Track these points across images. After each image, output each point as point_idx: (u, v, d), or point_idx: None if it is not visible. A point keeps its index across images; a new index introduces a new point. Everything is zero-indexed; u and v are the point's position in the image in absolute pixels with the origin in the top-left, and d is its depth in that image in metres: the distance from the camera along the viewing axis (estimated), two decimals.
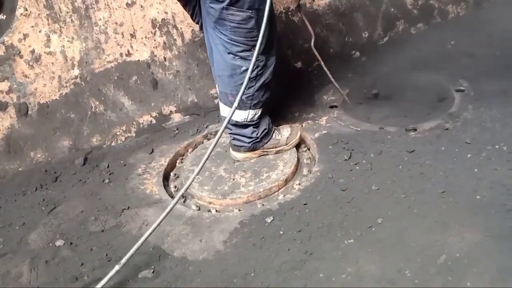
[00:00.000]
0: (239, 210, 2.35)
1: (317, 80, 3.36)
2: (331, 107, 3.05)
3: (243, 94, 2.13)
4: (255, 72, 2.33)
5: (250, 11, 2.18)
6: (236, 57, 2.31)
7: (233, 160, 2.65)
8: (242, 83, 2.24)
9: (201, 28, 2.51)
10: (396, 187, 2.23)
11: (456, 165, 2.28)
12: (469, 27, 3.73)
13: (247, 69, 2.25)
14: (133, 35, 2.98)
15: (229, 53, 2.31)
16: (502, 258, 1.77)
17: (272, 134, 2.62)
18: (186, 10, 2.48)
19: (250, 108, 2.45)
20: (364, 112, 2.91)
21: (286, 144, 2.65)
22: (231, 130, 2.55)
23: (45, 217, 2.47)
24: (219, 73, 2.43)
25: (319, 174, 2.45)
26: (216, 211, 2.39)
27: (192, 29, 3.10)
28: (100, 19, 2.89)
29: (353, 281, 1.80)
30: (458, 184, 2.17)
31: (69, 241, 2.27)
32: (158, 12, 3.00)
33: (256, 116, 2.50)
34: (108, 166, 2.82)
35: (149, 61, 3.06)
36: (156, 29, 3.03)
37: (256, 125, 2.54)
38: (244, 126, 2.52)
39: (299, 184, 2.47)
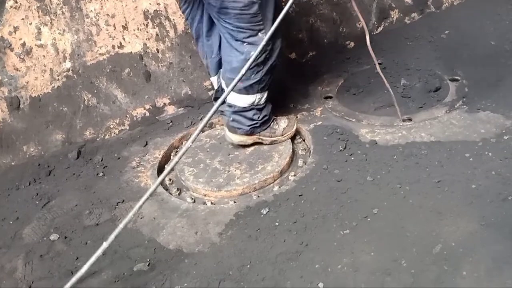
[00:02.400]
0: (235, 202, 2.34)
1: (311, 71, 3.34)
2: (326, 97, 3.04)
3: (239, 80, 2.11)
4: (262, 56, 2.32)
5: None
6: (244, 43, 2.30)
7: (227, 152, 2.64)
8: (250, 69, 2.26)
9: (185, 16, 2.52)
10: (391, 177, 2.23)
11: (451, 155, 2.28)
12: (463, 16, 3.71)
13: (254, 54, 2.26)
14: (125, 27, 2.95)
15: (236, 40, 2.30)
16: (497, 247, 1.78)
17: (271, 123, 2.61)
18: None
19: (257, 92, 2.45)
20: (359, 103, 2.90)
21: (282, 135, 2.64)
22: (233, 111, 2.52)
23: (39, 211, 2.45)
24: (227, 60, 2.41)
25: (314, 165, 2.44)
26: (211, 203, 2.38)
27: (185, 21, 3.07)
28: (91, 11, 2.86)
29: (349, 271, 1.81)
30: (453, 173, 2.17)
31: (63, 235, 2.26)
32: (150, 4, 2.97)
33: (263, 99, 2.50)
34: (102, 160, 2.79)
35: (142, 53, 3.03)
36: (149, 20, 3.00)
37: (260, 109, 2.53)
38: (249, 110, 2.50)
39: (295, 175, 2.46)
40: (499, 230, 1.84)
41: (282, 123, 2.66)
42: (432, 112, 2.63)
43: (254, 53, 2.21)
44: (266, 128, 2.60)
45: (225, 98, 2.15)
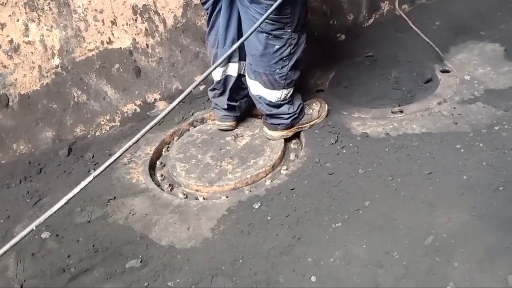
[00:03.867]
0: (227, 197, 2.34)
1: (302, 64, 3.32)
2: (318, 91, 3.03)
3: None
4: (288, 50, 2.33)
5: None
6: (270, 36, 2.28)
7: (219, 147, 2.63)
8: (274, 62, 2.32)
9: (206, 6, 2.50)
10: (383, 169, 2.23)
11: (442, 146, 2.29)
12: (454, 7, 3.71)
13: (279, 48, 2.30)
14: (113, 22, 2.92)
15: (262, 32, 2.29)
16: (489, 237, 1.78)
17: (304, 110, 2.63)
18: None
19: (283, 88, 2.45)
20: (351, 95, 2.89)
21: (318, 117, 2.66)
22: (267, 109, 2.53)
23: (30, 209, 2.43)
24: (252, 52, 2.40)
25: (306, 158, 2.43)
26: (204, 198, 2.37)
27: (174, 15, 3.05)
28: (79, 6, 2.82)
29: (341, 264, 1.81)
30: (445, 165, 2.17)
31: (55, 233, 2.24)
32: None
33: (289, 94, 2.50)
34: (93, 156, 2.78)
35: (131, 49, 3.00)
36: (137, 15, 2.97)
37: (290, 102, 2.53)
38: (278, 105, 2.51)
39: (286, 169, 2.45)
40: (491, 221, 1.85)
41: (314, 106, 2.69)
42: (423, 104, 2.63)
43: (279, 46, 2.29)
44: (303, 116, 2.61)
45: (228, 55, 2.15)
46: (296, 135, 2.68)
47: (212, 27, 2.54)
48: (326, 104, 2.73)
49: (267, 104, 2.50)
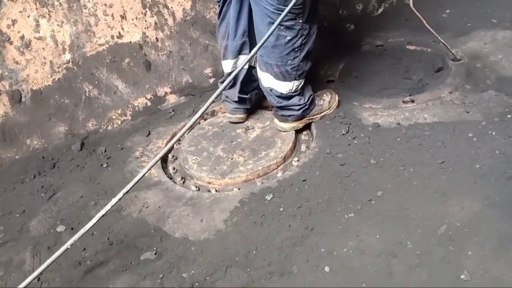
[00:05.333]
0: (239, 189, 2.35)
1: (312, 55, 3.32)
2: (328, 81, 3.02)
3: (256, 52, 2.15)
4: (299, 41, 2.33)
5: None
6: (282, 27, 2.28)
7: (230, 140, 2.64)
8: (286, 54, 2.32)
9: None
10: (395, 159, 2.22)
11: (454, 135, 2.28)
12: None
13: (291, 39, 2.30)
14: (123, 17, 2.93)
15: (273, 23, 2.24)
16: (502, 226, 1.78)
17: (315, 100, 2.63)
18: None
19: (295, 79, 2.45)
20: (361, 86, 2.88)
21: (329, 108, 2.67)
22: (277, 101, 2.53)
23: (44, 203, 2.46)
24: (265, 44, 2.40)
25: (317, 150, 2.44)
26: (216, 190, 2.38)
27: (183, 8, 3.05)
28: (89, 1, 2.83)
29: (355, 254, 1.81)
30: (457, 154, 2.16)
31: (70, 226, 2.27)
32: None
33: (300, 86, 2.50)
34: (105, 151, 2.80)
35: (141, 43, 3.01)
36: (147, 9, 2.97)
37: (301, 93, 2.54)
38: (289, 97, 2.51)
39: (298, 160, 2.46)
40: (504, 209, 1.84)
41: (325, 97, 2.69)
42: (434, 93, 2.61)
43: (291, 37, 2.29)
44: (313, 107, 2.61)
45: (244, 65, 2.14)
46: (307, 127, 2.68)
47: (223, 19, 2.54)
48: (336, 95, 2.73)
49: (278, 96, 2.50)
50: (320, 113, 2.64)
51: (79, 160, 2.76)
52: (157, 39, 3.05)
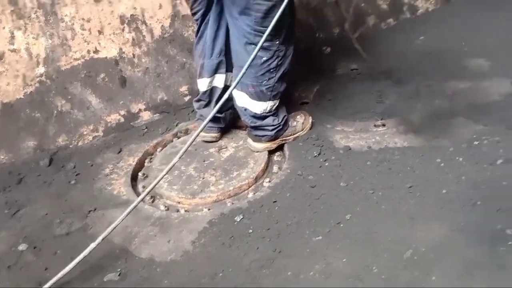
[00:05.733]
0: (209, 209, 2.32)
1: (287, 76, 3.33)
2: (302, 103, 3.05)
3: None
4: (275, 62, 2.34)
5: (274, 0, 2.17)
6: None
7: (203, 159, 2.62)
8: (262, 74, 2.34)
9: (196, 16, 2.51)
10: (364, 183, 2.24)
11: (423, 160, 2.30)
12: (438, 22, 3.77)
13: (267, 60, 2.31)
14: (100, 32, 2.92)
15: (250, 43, 2.30)
16: (467, 252, 1.79)
17: (289, 122, 2.63)
18: None
19: (269, 100, 2.45)
20: (335, 108, 2.91)
21: (302, 130, 2.67)
22: (251, 121, 2.54)
23: (8, 220, 2.39)
24: (239, 64, 2.40)
25: (289, 171, 2.44)
26: (185, 210, 2.35)
27: (162, 25, 3.06)
28: (67, 15, 2.82)
29: (321, 278, 1.80)
30: (426, 178, 2.19)
31: (33, 245, 2.20)
32: (126, 8, 2.95)
33: (274, 106, 2.51)
34: (74, 167, 2.75)
35: (118, 58, 3.00)
36: (125, 25, 2.97)
37: (275, 114, 2.54)
38: (263, 117, 2.51)
39: (269, 181, 2.45)
40: (470, 235, 1.86)
41: (298, 118, 2.69)
42: (405, 118, 2.65)
43: (267, 58, 2.31)
44: (287, 128, 2.61)
45: (229, 94, 2.15)
46: (280, 148, 2.68)
47: (201, 37, 2.55)
48: (310, 117, 2.74)
49: (252, 116, 2.51)
50: (294, 134, 2.65)
51: (46, 176, 2.70)
52: (134, 55, 3.05)
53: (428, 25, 3.75)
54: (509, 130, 2.38)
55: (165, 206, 2.39)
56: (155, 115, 3.14)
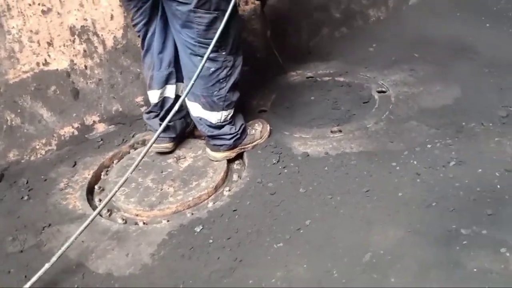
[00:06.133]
0: (168, 221, 2.29)
1: (245, 85, 3.34)
2: (260, 111, 3.06)
3: (191, 86, 2.17)
4: (224, 73, 2.32)
5: (216, 12, 2.16)
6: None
7: (160, 170, 2.58)
8: (212, 85, 2.31)
9: (138, 28, 2.46)
10: (322, 188, 2.26)
11: (379, 164, 2.35)
12: (389, 30, 3.88)
13: (215, 71, 2.29)
14: (50, 43, 2.83)
15: (196, 55, 2.27)
16: (423, 252, 1.84)
17: (247, 131, 2.62)
18: (128, 7, 2.40)
19: (223, 110, 2.43)
20: (292, 116, 2.94)
21: (261, 138, 2.67)
22: (208, 130, 2.51)
23: None
24: (189, 75, 2.36)
25: (248, 179, 2.43)
26: (144, 223, 2.31)
27: (114, 36, 3.00)
28: (14, 27, 2.72)
29: (282, 285, 1.80)
30: (381, 182, 2.23)
31: None
32: (76, 19, 2.87)
33: (229, 116, 2.49)
34: (27, 182, 2.65)
35: (69, 70, 2.92)
36: (75, 36, 2.90)
37: (231, 122, 2.53)
38: (219, 126, 2.50)
39: (229, 190, 2.44)
40: (425, 236, 1.91)
41: (256, 126, 2.69)
42: (361, 123, 2.71)
43: (215, 68, 2.29)
44: (245, 137, 2.60)
45: (178, 106, 2.16)
46: (239, 156, 2.68)
47: (148, 50, 2.51)
48: (268, 125, 2.75)
49: (208, 126, 2.50)
50: (252, 142, 2.65)
51: None
52: (86, 66, 2.98)
53: (380, 33, 3.85)
54: (459, 133, 2.47)
55: (123, 219, 2.34)
56: (110, 127, 3.08)
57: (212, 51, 2.23)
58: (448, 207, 2.02)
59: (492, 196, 2.05)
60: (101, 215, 2.36)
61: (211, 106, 2.41)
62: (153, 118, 2.64)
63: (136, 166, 2.10)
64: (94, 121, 3.04)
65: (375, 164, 2.36)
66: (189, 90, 2.16)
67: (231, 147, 2.57)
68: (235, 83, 2.42)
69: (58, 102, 2.92)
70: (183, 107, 2.63)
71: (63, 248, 1.94)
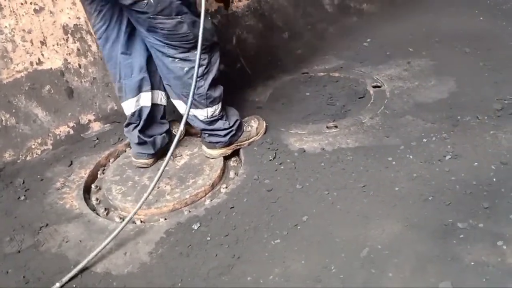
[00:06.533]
0: (165, 219, 2.29)
1: (240, 82, 3.35)
2: (256, 108, 3.05)
3: (193, 95, 2.14)
4: (200, 71, 2.26)
5: (179, 17, 2.10)
6: (176, 59, 2.23)
7: (157, 168, 2.57)
8: (189, 84, 2.22)
9: (98, 35, 2.33)
10: (319, 184, 2.27)
11: (375, 159, 2.36)
12: (384, 25, 3.88)
13: (189, 70, 2.24)
14: (43, 43, 2.82)
15: (167, 56, 2.24)
16: (420, 246, 1.85)
17: (243, 127, 2.61)
18: (89, 12, 2.28)
19: (207, 107, 2.41)
20: (288, 112, 2.94)
21: (257, 134, 2.66)
22: (199, 124, 2.49)
23: None
24: (165, 76, 2.35)
25: (245, 176, 2.44)
26: (141, 221, 2.31)
27: (97, 40, 2.98)
28: (6, 26, 2.71)
29: (280, 281, 1.81)
30: (378, 177, 2.24)
31: None
32: (69, 18, 2.87)
33: (217, 111, 2.46)
34: (23, 182, 2.64)
35: (63, 69, 2.91)
36: (69, 35, 2.89)
37: (223, 118, 2.50)
38: (210, 122, 2.47)
39: (226, 187, 2.44)
40: (422, 230, 1.92)
41: (253, 123, 2.67)
42: (356, 119, 2.71)
43: (188, 67, 2.24)
44: (241, 133, 2.59)
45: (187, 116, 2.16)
46: (236, 153, 2.68)
47: (109, 61, 2.39)
48: (264, 121, 2.75)
49: (201, 121, 2.48)
50: (248, 139, 2.65)
51: None
52: (80, 65, 2.97)
53: (374, 28, 3.86)
54: (455, 127, 2.48)
55: (120, 218, 2.34)
56: (106, 125, 3.07)
57: (182, 52, 2.21)
58: (445, 201, 2.03)
59: (488, 189, 2.06)
60: (98, 214, 2.37)
61: (194, 104, 2.37)
62: (133, 130, 2.52)
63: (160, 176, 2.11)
64: (89, 120, 3.03)
65: (371, 159, 2.36)
66: (188, 112, 2.15)
67: (226, 144, 2.57)
68: (215, 80, 2.37)
69: (53, 101, 2.91)
70: (164, 122, 2.61)
71: (84, 261, 1.99)
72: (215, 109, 2.45)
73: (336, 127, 2.67)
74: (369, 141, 2.51)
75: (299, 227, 2.05)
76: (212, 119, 2.47)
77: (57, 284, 1.91)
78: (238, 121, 2.59)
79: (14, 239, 2.25)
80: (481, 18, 3.77)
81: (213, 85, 2.38)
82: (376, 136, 2.53)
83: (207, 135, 2.54)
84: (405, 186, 2.15)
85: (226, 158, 2.64)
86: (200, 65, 2.23)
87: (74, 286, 1.93)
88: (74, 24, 2.87)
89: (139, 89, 2.43)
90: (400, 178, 2.20)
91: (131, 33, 2.32)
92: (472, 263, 1.74)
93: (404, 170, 2.25)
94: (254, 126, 2.68)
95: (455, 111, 2.61)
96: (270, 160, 2.49)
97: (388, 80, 3.07)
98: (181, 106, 2.45)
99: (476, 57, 3.17)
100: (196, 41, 2.13)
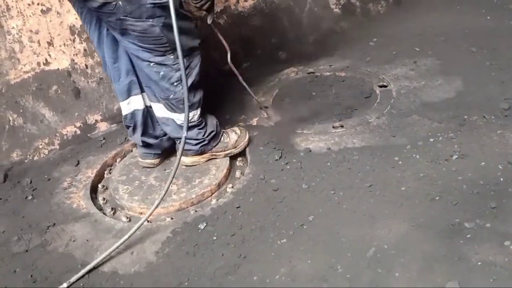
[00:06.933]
0: (172, 218, 2.30)
1: (246, 81, 3.34)
2: (262, 107, 3.05)
3: (188, 99, 2.10)
4: (176, 75, 2.23)
5: (151, 20, 2.05)
6: (151, 64, 2.19)
7: (163, 168, 2.59)
8: (166, 88, 2.24)
9: (90, 36, 2.34)
10: (325, 183, 2.26)
11: (381, 159, 2.35)
12: (390, 24, 3.88)
13: (165, 74, 2.22)
14: (50, 43, 2.84)
15: (143, 60, 2.20)
16: (427, 246, 1.84)
17: (221, 137, 2.56)
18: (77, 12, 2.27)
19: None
20: (294, 111, 2.94)
21: (235, 147, 2.60)
22: (173, 132, 2.45)
23: None
24: (143, 79, 2.34)
25: (251, 175, 2.44)
26: (148, 221, 2.31)
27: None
28: (13, 27, 2.73)
29: (287, 281, 1.81)
30: (384, 177, 2.23)
31: None
32: (76, 18, 2.88)
33: (195, 116, 2.42)
34: (31, 182, 2.66)
35: (70, 69, 2.93)
36: (75, 35, 2.91)
37: (200, 126, 2.46)
38: (187, 128, 2.40)
39: (232, 187, 2.45)
40: (428, 230, 1.91)
41: (233, 135, 2.61)
42: (362, 118, 2.71)
43: (164, 72, 2.20)
44: (217, 144, 2.55)
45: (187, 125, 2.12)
46: (242, 153, 2.68)
47: (104, 62, 2.39)
48: (247, 134, 2.67)
49: (178, 125, 2.42)
50: (224, 151, 2.58)
51: (2, 192, 2.60)
52: (86, 66, 2.98)
53: (380, 28, 3.85)
54: (462, 127, 2.47)
55: (127, 218, 2.35)
56: (112, 125, 3.08)
57: (158, 56, 2.17)
58: (452, 200, 2.02)
59: (495, 189, 2.05)
60: (105, 214, 2.38)
61: (172, 108, 2.34)
62: (134, 133, 2.53)
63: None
64: (96, 120, 3.05)
65: (378, 158, 2.35)
66: (187, 123, 2.13)
67: (198, 153, 2.53)
68: (194, 84, 2.33)
69: (60, 101, 2.93)
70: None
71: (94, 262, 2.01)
72: (194, 114, 2.40)
73: (342, 126, 2.66)
74: (376, 140, 2.50)
75: (305, 226, 2.05)
76: (190, 124, 2.39)
77: (65, 284, 1.92)
78: (213, 132, 2.52)
79: (22, 238, 2.26)
80: (488, 17, 3.75)
81: (192, 89, 2.32)
82: (383, 135, 2.53)
83: (179, 141, 2.44)
84: (411, 186, 2.15)
85: (232, 157, 2.64)
86: (176, 70, 2.21)
87: (82, 285, 1.94)
88: (81, 25, 2.88)
89: (129, 93, 2.40)
90: (407, 178, 2.20)
91: (115, 39, 2.25)
92: (479, 263, 1.73)
93: (410, 169, 2.24)
94: (233, 138, 2.61)
95: (461, 111, 2.60)
96: (276, 159, 2.49)
97: (394, 80, 3.06)
98: (160, 109, 2.40)
99: (483, 56, 3.15)
100: (171, 45, 2.11)
